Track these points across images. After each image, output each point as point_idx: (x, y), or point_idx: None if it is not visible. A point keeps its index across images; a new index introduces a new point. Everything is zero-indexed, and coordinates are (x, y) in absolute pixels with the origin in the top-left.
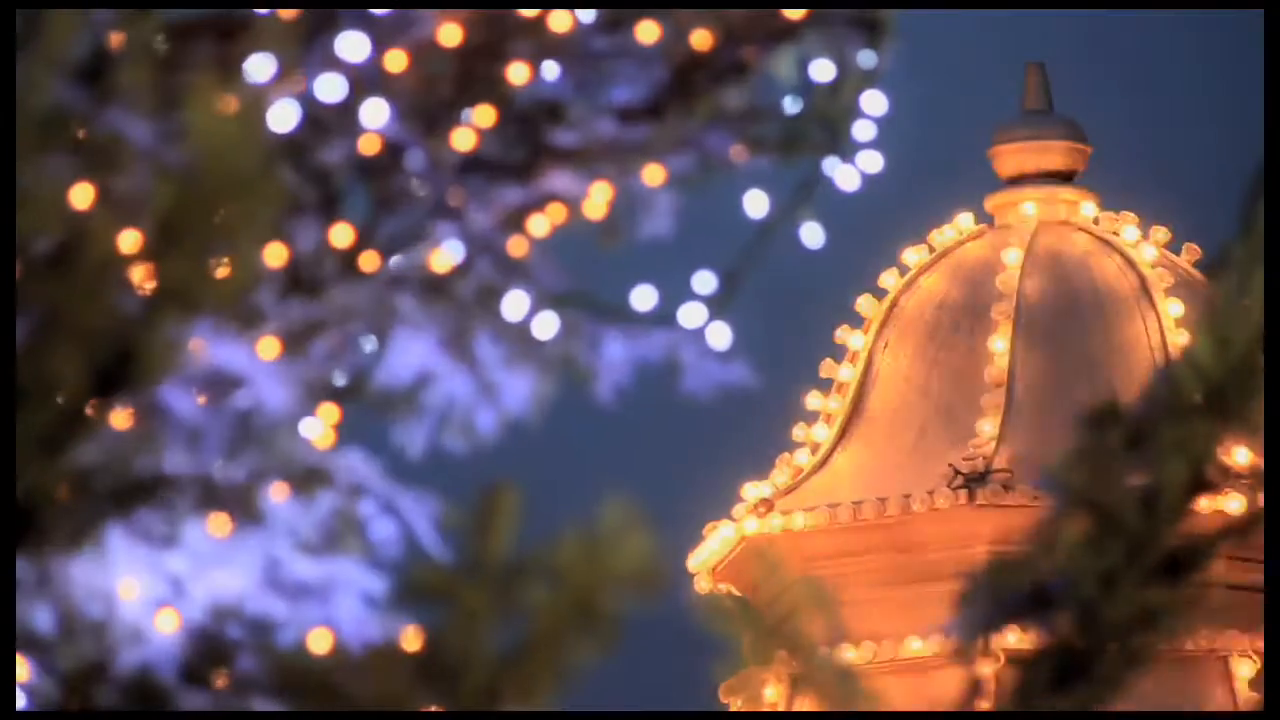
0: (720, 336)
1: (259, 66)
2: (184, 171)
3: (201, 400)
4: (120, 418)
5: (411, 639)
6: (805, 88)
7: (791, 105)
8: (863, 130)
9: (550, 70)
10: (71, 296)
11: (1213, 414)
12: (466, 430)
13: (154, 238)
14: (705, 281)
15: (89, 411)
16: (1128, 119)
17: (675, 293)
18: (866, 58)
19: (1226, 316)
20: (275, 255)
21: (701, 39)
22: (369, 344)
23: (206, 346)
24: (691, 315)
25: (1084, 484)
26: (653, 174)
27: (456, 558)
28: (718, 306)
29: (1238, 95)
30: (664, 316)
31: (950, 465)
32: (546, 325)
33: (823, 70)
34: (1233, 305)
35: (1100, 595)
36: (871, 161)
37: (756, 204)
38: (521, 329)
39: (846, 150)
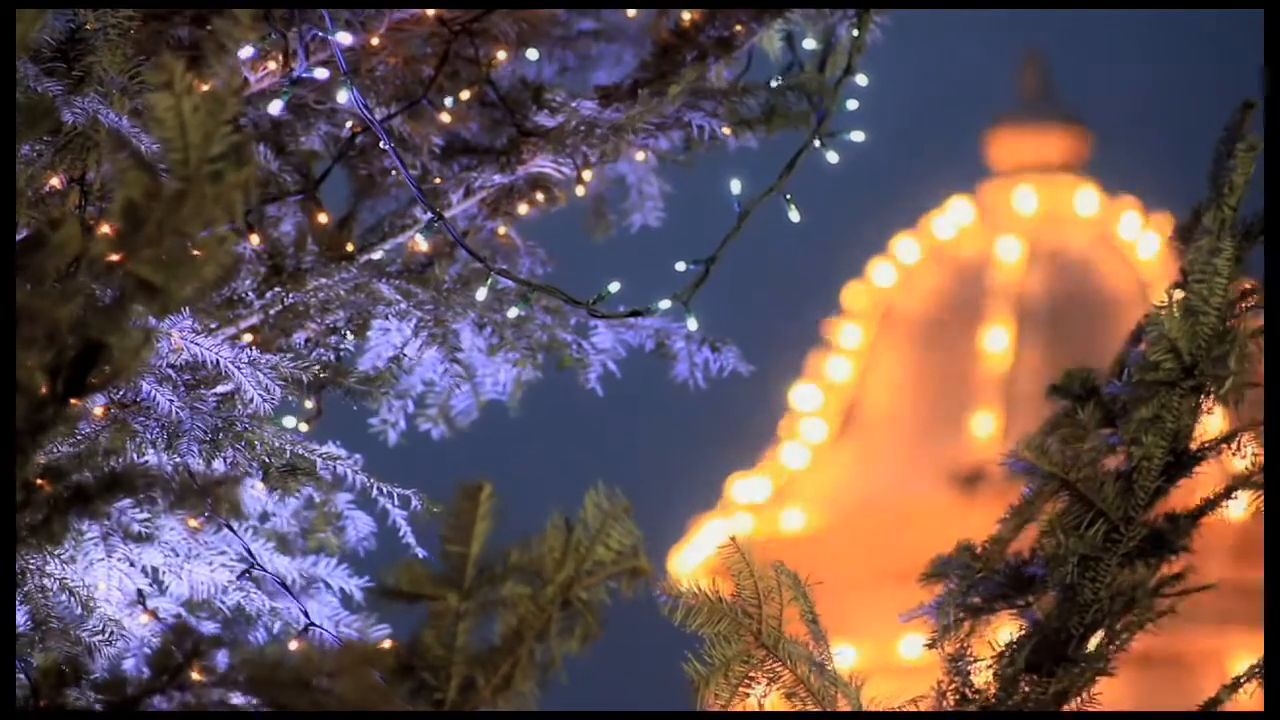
0: (696, 324)
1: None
2: (151, 158)
3: (180, 393)
4: (95, 413)
5: (388, 638)
6: (791, 62)
7: (775, 79)
8: (848, 104)
9: (533, 52)
10: (40, 288)
11: (1186, 386)
12: (444, 414)
13: (122, 227)
14: (686, 267)
15: (63, 406)
16: (1128, 106)
17: (657, 278)
18: (852, 33)
19: (1196, 285)
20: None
21: (688, 15)
22: (348, 333)
23: (185, 339)
24: (673, 304)
25: (1056, 462)
26: (637, 155)
27: (434, 555)
28: (699, 292)
29: (1238, 88)
30: (644, 307)
31: (950, 465)
32: (526, 314)
33: (810, 45)
34: (1203, 273)
35: (1079, 576)
36: (854, 134)
37: (738, 186)
38: (503, 316)
39: (831, 124)
